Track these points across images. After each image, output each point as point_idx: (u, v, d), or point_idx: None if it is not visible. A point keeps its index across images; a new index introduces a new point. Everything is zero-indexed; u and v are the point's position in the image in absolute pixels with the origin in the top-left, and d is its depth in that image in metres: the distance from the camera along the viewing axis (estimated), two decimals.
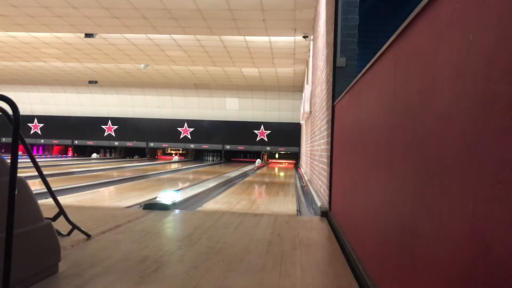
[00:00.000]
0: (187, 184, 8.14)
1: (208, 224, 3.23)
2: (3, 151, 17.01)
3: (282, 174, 12.79)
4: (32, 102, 19.36)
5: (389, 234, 1.50)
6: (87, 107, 19.40)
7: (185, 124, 19.19)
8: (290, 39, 9.58)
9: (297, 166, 15.78)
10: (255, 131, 18.87)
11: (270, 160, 20.05)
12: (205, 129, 19.04)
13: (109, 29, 9.34)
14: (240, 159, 19.79)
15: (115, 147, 20.31)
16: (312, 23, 8.06)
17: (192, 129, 19.15)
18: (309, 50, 9.66)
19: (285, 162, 19.37)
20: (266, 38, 9.69)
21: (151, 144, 19.31)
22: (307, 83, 9.95)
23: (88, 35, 9.82)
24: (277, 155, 20.10)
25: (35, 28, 9.55)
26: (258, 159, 18.51)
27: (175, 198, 4.31)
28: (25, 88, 18.70)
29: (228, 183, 8.59)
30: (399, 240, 1.36)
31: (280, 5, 7.39)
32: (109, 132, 19.52)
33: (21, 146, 1.75)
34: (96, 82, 17.17)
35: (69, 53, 12.15)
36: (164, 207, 3.92)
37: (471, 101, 0.86)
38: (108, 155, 20.69)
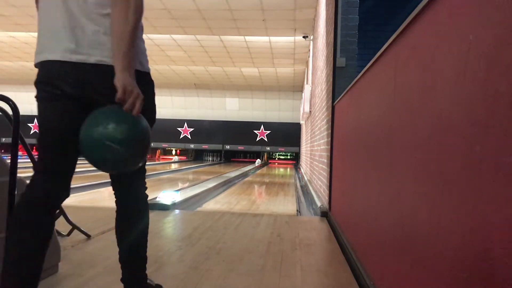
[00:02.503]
0: (187, 184, 8.15)
1: (208, 224, 3.24)
2: (3, 151, 17.01)
3: (282, 174, 12.80)
4: (32, 102, 19.01)
5: (389, 234, 1.50)
6: None
7: (185, 124, 19.19)
8: (290, 39, 9.58)
9: (297, 166, 15.78)
10: (255, 131, 18.88)
11: (269, 160, 20.05)
12: (205, 129, 19.03)
13: None
14: (240, 159, 19.79)
15: None
16: (312, 23, 8.07)
17: (192, 129, 19.16)
18: (309, 50, 9.66)
19: (285, 162, 19.36)
20: (266, 38, 9.69)
21: (151, 144, 19.30)
22: (307, 83, 9.95)
23: None
24: (276, 157, 20.08)
25: (35, 28, 9.47)
26: (258, 159, 18.51)
27: (175, 198, 4.31)
28: (25, 88, 18.68)
29: (228, 183, 8.59)
30: (399, 240, 1.36)
31: (280, 5, 7.39)
32: None
33: (20, 146, 1.75)
34: None
35: None
36: (164, 207, 3.92)
37: (471, 101, 0.86)
38: None
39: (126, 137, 1.20)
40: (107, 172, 1.34)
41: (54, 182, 1.31)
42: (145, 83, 1.37)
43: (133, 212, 1.48)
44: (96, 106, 1.27)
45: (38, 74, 1.32)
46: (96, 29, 1.28)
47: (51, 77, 1.29)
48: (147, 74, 1.41)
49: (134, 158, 1.27)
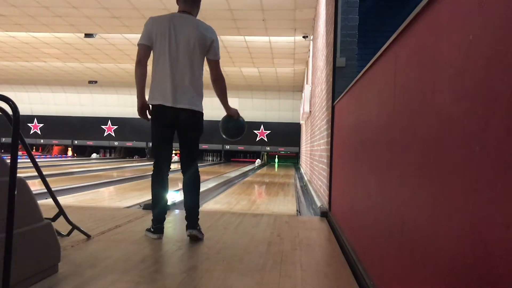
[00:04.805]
0: None
1: (208, 224, 3.23)
2: (2, 151, 17.01)
3: (282, 174, 12.80)
4: (32, 102, 19.34)
5: (389, 234, 1.50)
6: (87, 107, 19.38)
7: None
8: (290, 39, 9.58)
9: (297, 166, 15.78)
10: (255, 131, 18.86)
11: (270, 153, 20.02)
12: (205, 129, 18.95)
13: (109, 29, 9.34)
14: (240, 159, 19.78)
15: (115, 147, 20.31)
16: (312, 23, 8.07)
17: None
18: (309, 50, 9.65)
19: (285, 156, 19.37)
20: (266, 38, 9.69)
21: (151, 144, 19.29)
22: (307, 83, 9.95)
23: (88, 35, 9.81)
24: (276, 159, 20.03)
25: (35, 28, 9.54)
26: (258, 159, 18.50)
27: (175, 198, 4.30)
28: (25, 88, 18.69)
29: (228, 183, 8.59)
30: (399, 240, 1.36)
31: (280, 5, 7.39)
32: (109, 132, 19.52)
33: (20, 146, 1.75)
34: (96, 82, 17.15)
35: (69, 53, 12.15)
36: None
37: (471, 101, 0.86)
38: (108, 155, 20.68)
39: (241, 125, 3.10)
40: (231, 137, 3.21)
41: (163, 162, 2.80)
42: (200, 117, 2.85)
43: (190, 181, 2.78)
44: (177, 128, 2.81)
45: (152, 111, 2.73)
46: (185, 90, 2.66)
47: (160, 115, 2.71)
48: (201, 113, 2.83)
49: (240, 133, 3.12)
